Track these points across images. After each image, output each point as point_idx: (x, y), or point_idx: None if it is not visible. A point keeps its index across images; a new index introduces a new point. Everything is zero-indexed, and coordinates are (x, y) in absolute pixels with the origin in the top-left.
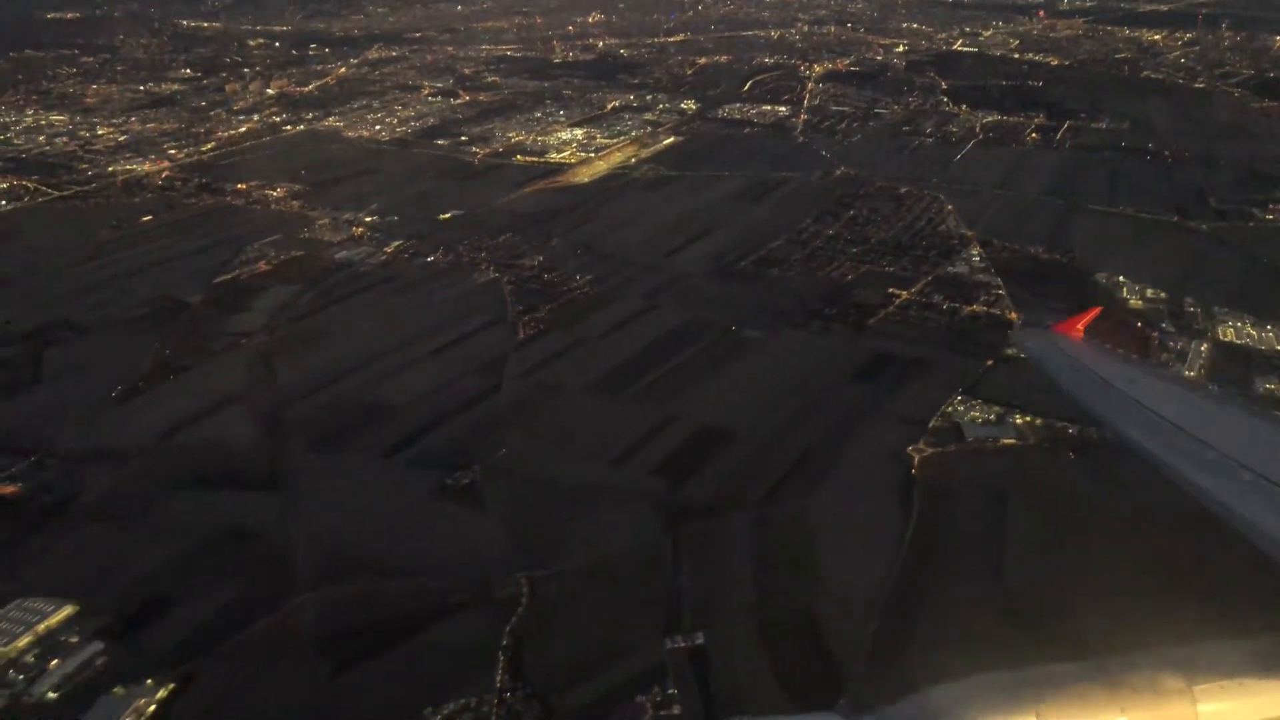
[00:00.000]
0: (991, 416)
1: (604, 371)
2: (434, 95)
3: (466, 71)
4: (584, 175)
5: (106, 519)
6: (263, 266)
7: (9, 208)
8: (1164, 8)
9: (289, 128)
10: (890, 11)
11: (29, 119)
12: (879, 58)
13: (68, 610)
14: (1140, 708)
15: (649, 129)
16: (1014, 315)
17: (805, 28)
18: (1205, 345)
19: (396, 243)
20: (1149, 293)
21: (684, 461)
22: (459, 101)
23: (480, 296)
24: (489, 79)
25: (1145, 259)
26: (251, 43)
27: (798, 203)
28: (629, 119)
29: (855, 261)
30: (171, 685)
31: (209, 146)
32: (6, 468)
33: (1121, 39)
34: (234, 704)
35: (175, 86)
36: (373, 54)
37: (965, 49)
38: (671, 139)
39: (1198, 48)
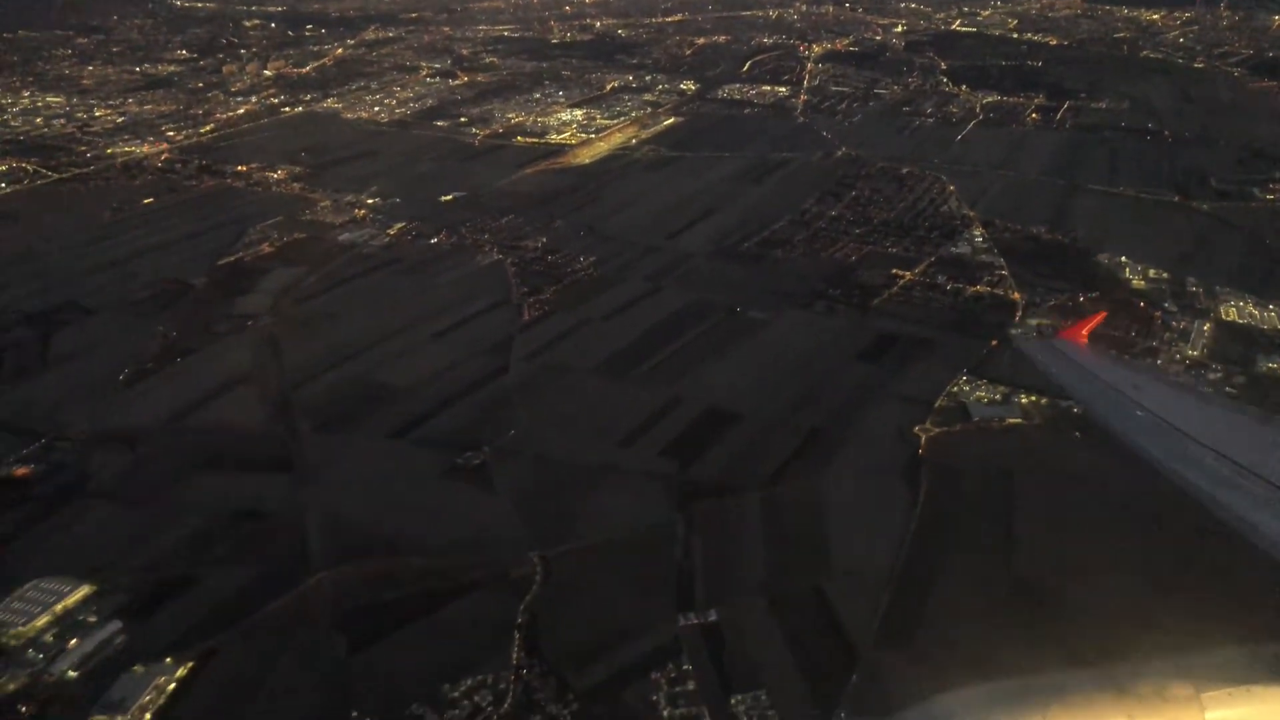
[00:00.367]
0: (997, 396)
1: (610, 353)
2: (432, 76)
3: (464, 52)
4: (585, 156)
5: (120, 500)
6: (266, 249)
7: (8, 190)
8: None
9: (287, 109)
10: None
11: (25, 100)
12: (878, 38)
13: (85, 590)
14: (1148, 714)
15: (648, 110)
16: (1017, 296)
17: (803, 7)
18: (1208, 325)
19: (399, 224)
20: (1151, 273)
21: (692, 442)
22: (457, 83)
23: (484, 278)
24: (487, 60)
25: (1147, 239)
26: (247, 23)
27: (799, 183)
28: (628, 100)
29: (858, 242)
30: (191, 663)
31: (208, 128)
32: (18, 450)
33: (1120, 18)
34: (253, 681)
35: (171, 68)
36: (369, 35)
37: (964, 29)
38: (671, 120)
39: (1196, 27)
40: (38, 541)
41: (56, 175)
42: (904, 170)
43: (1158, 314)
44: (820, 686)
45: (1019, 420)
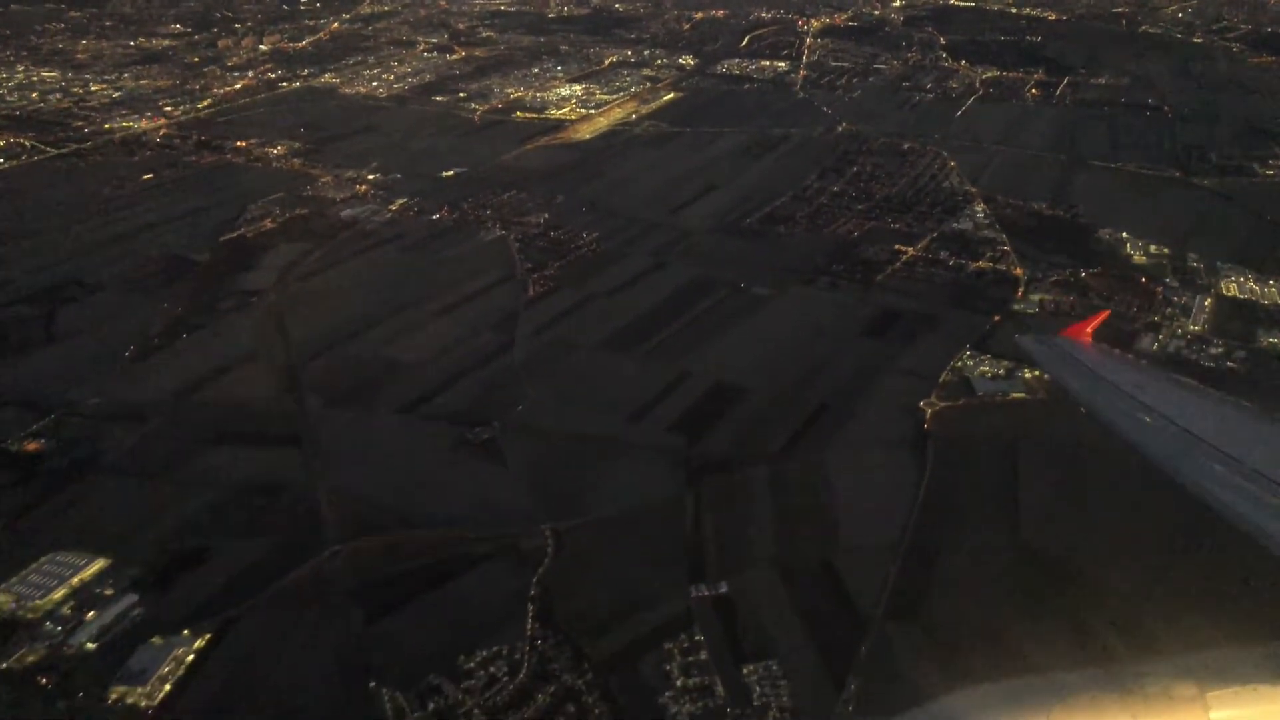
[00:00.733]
0: (1001, 371)
1: (616, 328)
2: (429, 51)
3: (460, 26)
4: (585, 132)
5: (132, 475)
6: (268, 224)
7: (6, 165)
8: None
9: (285, 84)
10: None
11: (20, 75)
12: (877, 12)
13: (100, 564)
14: (1153, 714)
15: (648, 85)
16: (1019, 271)
17: None
18: (1209, 300)
19: (401, 200)
20: (1152, 248)
21: (700, 417)
22: (455, 57)
23: (488, 254)
24: (484, 34)
25: (1148, 214)
26: None
27: (801, 159)
28: (627, 75)
29: (860, 218)
30: (208, 635)
31: (205, 103)
32: (29, 425)
33: None
34: (270, 653)
35: (166, 42)
36: (365, 9)
37: (963, 3)
38: (671, 95)
39: (1195, 2)
40: (52, 516)
41: (55, 150)
42: (905, 146)
43: (1159, 289)
44: (831, 657)
45: (1023, 395)
